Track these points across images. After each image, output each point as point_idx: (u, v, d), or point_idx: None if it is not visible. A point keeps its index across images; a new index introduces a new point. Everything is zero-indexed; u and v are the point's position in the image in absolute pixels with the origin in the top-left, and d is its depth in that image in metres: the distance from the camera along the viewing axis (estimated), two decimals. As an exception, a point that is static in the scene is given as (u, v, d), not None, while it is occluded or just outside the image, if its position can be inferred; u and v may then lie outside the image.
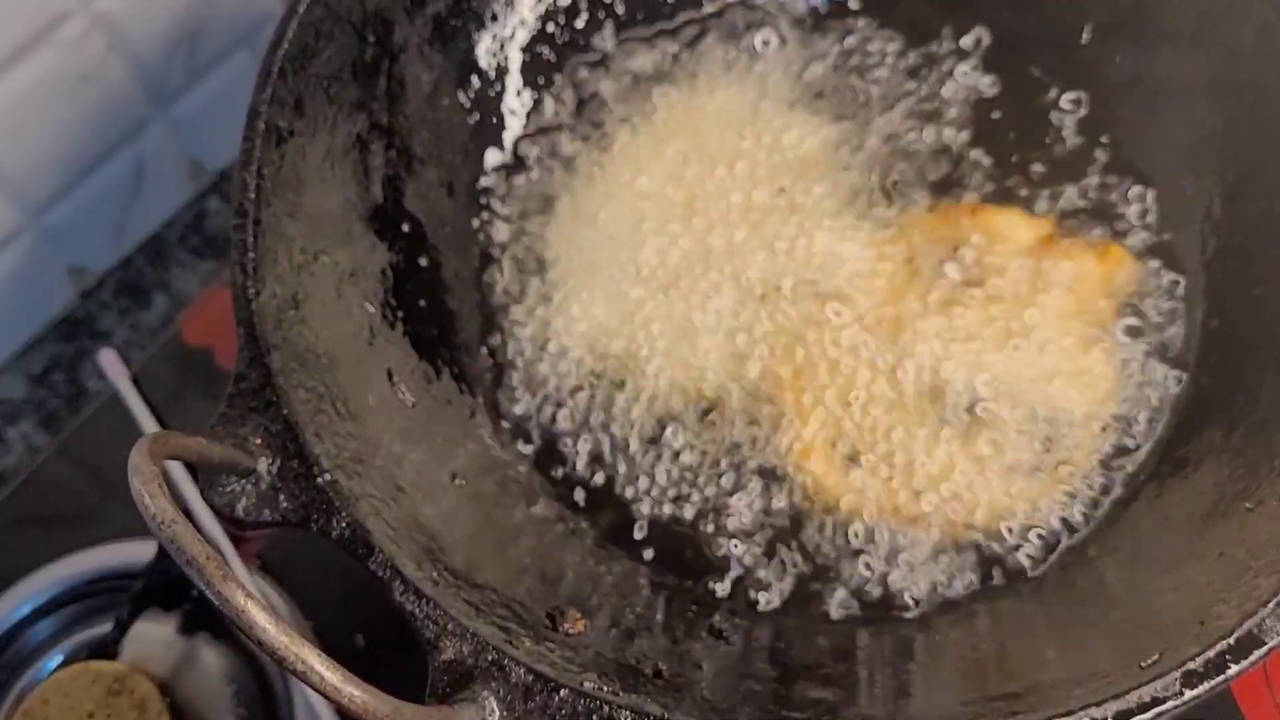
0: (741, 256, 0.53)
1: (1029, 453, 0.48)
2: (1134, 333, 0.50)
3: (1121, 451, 0.48)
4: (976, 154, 0.55)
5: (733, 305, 0.52)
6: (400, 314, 0.49)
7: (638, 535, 0.49)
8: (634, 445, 0.51)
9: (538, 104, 0.58)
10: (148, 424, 0.58)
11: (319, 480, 0.37)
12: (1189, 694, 0.34)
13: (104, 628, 0.53)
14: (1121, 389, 0.49)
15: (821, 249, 0.53)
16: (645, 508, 0.50)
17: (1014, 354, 0.50)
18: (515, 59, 0.57)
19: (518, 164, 0.57)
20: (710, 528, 0.49)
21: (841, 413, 0.50)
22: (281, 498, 0.37)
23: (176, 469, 0.55)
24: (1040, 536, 0.47)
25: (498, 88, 0.57)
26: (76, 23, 0.57)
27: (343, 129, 0.48)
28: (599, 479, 0.50)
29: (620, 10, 0.59)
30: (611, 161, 0.56)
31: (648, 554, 0.49)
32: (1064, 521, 0.48)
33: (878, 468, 0.49)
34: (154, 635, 0.53)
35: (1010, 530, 0.48)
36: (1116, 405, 0.49)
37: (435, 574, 0.38)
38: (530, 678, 0.34)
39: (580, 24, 0.58)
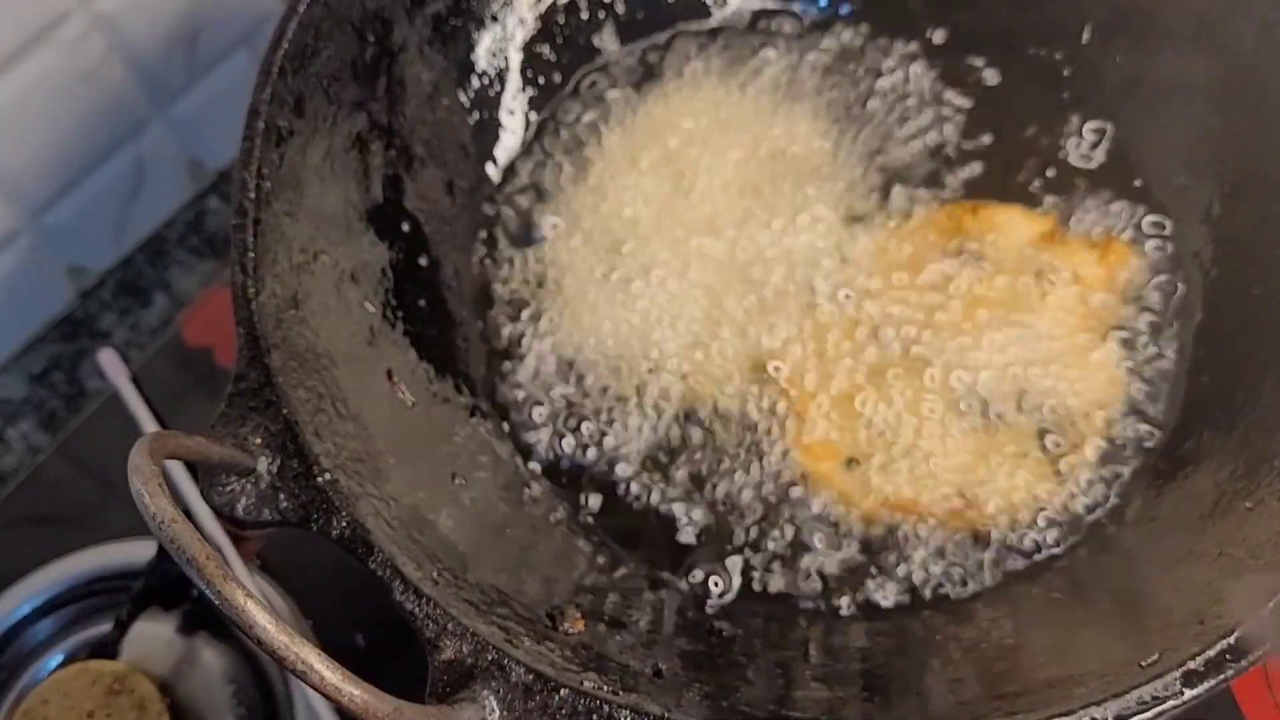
0: (743, 256, 0.53)
1: (1031, 450, 0.48)
2: (1134, 332, 0.50)
3: (1122, 451, 0.48)
4: (977, 153, 0.55)
5: (735, 304, 0.52)
6: (400, 314, 0.49)
7: (637, 534, 0.49)
8: (634, 445, 0.51)
9: (538, 103, 0.58)
10: (148, 424, 0.58)
11: (319, 480, 0.37)
12: (1189, 694, 0.34)
13: (104, 628, 0.53)
14: (1122, 387, 0.49)
15: (823, 248, 0.53)
16: (645, 507, 0.50)
17: (1017, 351, 0.50)
18: (515, 59, 0.57)
19: (518, 163, 0.57)
20: (712, 527, 0.49)
21: (846, 409, 0.50)
22: (281, 497, 0.37)
23: (176, 469, 0.55)
24: (1040, 536, 0.47)
25: (498, 88, 0.57)
26: (76, 22, 0.57)
27: (343, 129, 0.48)
28: (598, 478, 0.50)
29: (620, 10, 0.59)
30: (612, 161, 0.56)
31: (647, 553, 0.49)
32: (1064, 521, 0.48)
33: (880, 465, 0.49)
34: (154, 635, 0.53)
35: (1010, 530, 0.48)
36: (1118, 402, 0.49)
37: (435, 574, 0.38)
38: (530, 677, 0.34)
39: (580, 24, 0.58)
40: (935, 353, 0.50)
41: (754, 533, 0.49)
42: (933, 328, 0.50)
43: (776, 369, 0.51)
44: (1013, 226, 0.52)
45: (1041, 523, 0.47)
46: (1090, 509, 0.48)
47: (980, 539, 0.48)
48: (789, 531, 0.49)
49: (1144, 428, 0.49)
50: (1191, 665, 0.35)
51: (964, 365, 0.50)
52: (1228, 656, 0.35)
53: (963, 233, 0.52)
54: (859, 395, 0.50)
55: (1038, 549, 0.47)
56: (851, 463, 0.49)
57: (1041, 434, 0.49)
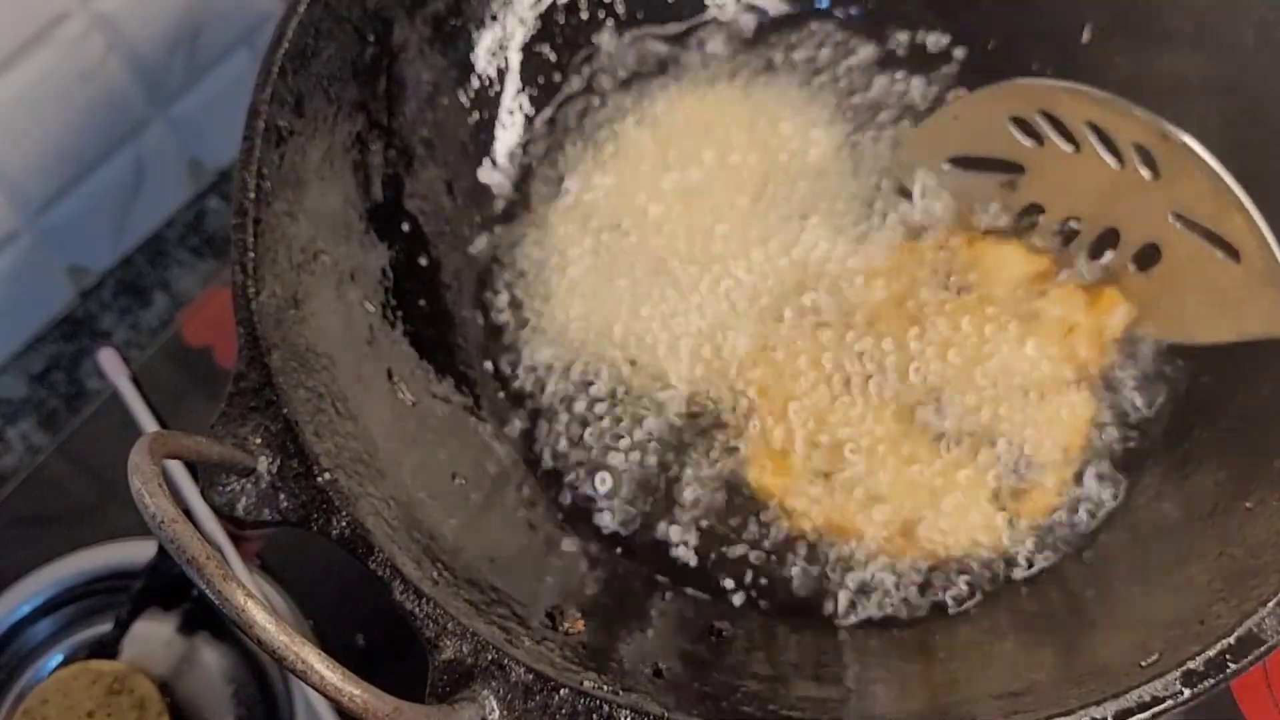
0: (739, 260, 0.53)
1: (1031, 455, 0.48)
2: (1136, 330, 0.50)
3: (1122, 451, 0.48)
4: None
5: (726, 310, 0.52)
6: (400, 314, 0.49)
7: (636, 535, 0.49)
8: (633, 446, 0.51)
9: (538, 103, 0.58)
10: (148, 424, 0.58)
11: (319, 480, 0.37)
12: (1189, 694, 0.34)
13: (104, 627, 0.53)
14: (1122, 388, 0.49)
15: (817, 259, 0.53)
16: (647, 508, 0.50)
17: (996, 385, 0.49)
18: (515, 59, 0.57)
19: (518, 163, 0.57)
20: (709, 529, 0.49)
21: (842, 416, 0.50)
22: (281, 497, 0.37)
23: (176, 469, 0.55)
24: (1040, 537, 0.47)
25: (498, 88, 0.57)
26: (76, 22, 0.57)
27: (343, 129, 0.48)
28: (598, 479, 0.50)
29: (620, 9, 0.59)
30: (611, 161, 0.56)
31: (646, 554, 0.49)
32: (1064, 522, 0.48)
33: (881, 463, 0.49)
34: (154, 635, 0.53)
35: (1011, 530, 0.47)
36: (1105, 418, 0.49)
37: (435, 574, 0.38)
38: (530, 677, 0.34)
39: (580, 24, 0.58)
40: (914, 377, 0.49)
41: (751, 536, 0.49)
42: (919, 350, 0.50)
43: (772, 373, 0.51)
44: (1007, 263, 0.51)
45: (1040, 525, 0.47)
46: (1090, 511, 0.48)
47: (979, 539, 0.47)
48: (788, 535, 0.49)
49: (1144, 428, 0.49)
50: (1191, 665, 0.35)
51: (943, 393, 0.49)
52: (1228, 656, 0.35)
53: (956, 264, 0.52)
54: (854, 402, 0.50)
55: (1036, 550, 0.47)
56: (851, 461, 0.49)
57: (1033, 447, 0.49)
